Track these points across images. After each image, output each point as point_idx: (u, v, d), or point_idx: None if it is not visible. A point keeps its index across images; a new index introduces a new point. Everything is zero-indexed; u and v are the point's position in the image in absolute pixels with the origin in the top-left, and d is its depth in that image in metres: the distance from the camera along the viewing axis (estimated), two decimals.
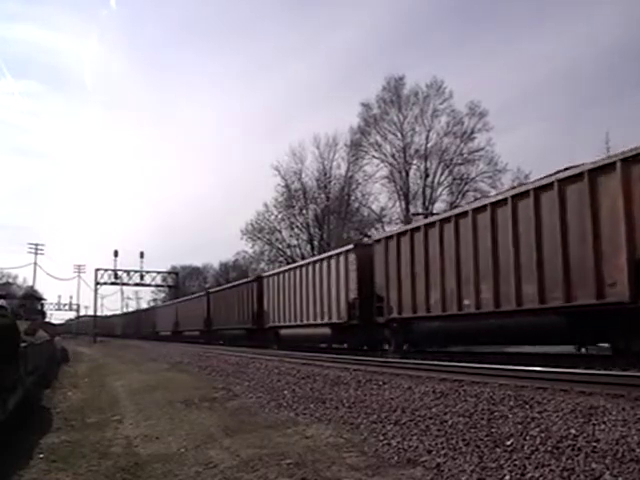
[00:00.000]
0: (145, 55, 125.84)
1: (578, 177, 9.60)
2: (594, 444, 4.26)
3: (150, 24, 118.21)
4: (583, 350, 12.21)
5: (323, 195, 45.26)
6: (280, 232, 46.39)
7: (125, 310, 66.72)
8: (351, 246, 17.79)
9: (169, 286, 63.00)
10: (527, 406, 5.80)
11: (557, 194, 9.90)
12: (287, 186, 45.63)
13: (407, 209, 38.92)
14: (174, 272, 64.92)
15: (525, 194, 10.71)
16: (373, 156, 41.36)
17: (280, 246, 46.58)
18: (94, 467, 5.43)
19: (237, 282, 31.38)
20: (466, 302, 12.16)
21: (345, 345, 19.38)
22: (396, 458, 4.81)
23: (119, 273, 56.56)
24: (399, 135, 40.62)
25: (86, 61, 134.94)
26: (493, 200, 11.88)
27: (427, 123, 39.85)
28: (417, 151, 40.15)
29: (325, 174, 45.20)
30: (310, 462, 4.86)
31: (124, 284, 57.96)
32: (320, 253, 30.27)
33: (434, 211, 33.72)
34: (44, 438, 6.86)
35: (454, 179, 39.10)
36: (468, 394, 6.80)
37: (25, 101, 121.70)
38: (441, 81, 39.37)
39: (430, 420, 5.82)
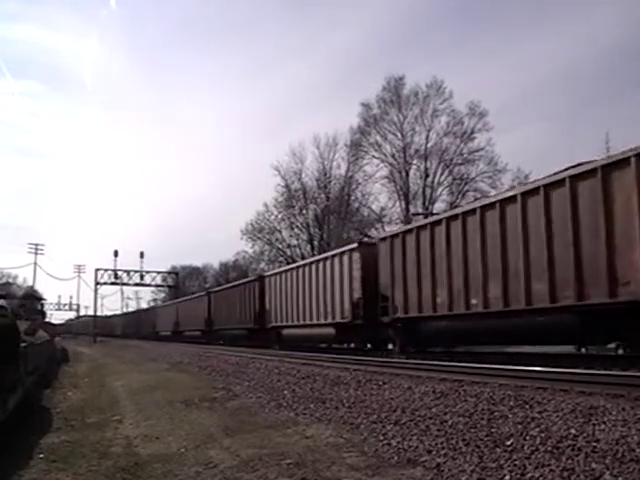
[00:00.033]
0: (145, 55, 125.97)
1: (591, 173, 9.42)
2: (594, 444, 4.25)
3: (150, 24, 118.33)
4: (583, 350, 12.24)
5: (323, 195, 45.30)
6: (280, 232, 46.48)
7: (125, 310, 66.85)
8: (355, 245, 17.62)
9: (169, 286, 63.00)
10: (527, 406, 5.80)
11: (569, 191, 9.72)
12: (287, 186, 45.72)
13: (407, 209, 38.94)
14: (174, 272, 64.93)
15: (535, 191, 10.55)
16: (373, 156, 41.47)
17: (280, 246, 46.65)
18: (94, 467, 5.42)
19: (238, 282, 31.26)
20: (474, 301, 11.99)
21: (352, 345, 19.32)
22: (396, 458, 4.81)
23: (119, 273, 56.62)
24: (399, 135, 40.71)
25: (86, 61, 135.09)
26: (502, 197, 11.68)
27: (427, 123, 39.96)
28: (417, 151, 40.24)
29: (325, 174, 45.29)
30: (310, 462, 4.85)
31: (124, 284, 58.00)
32: (320, 253, 30.27)
33: (434, 211, 33.74)
34: (44, 438, 6.85)
35: (454, 179, 39.14)
36: (468, 394, 6.80)
37: (25, 101, 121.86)
38: (441, 81, 39.48)
39: (430, 420, 5.82)
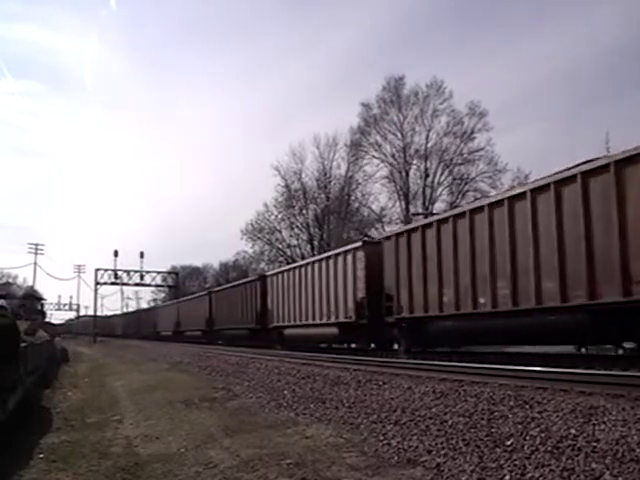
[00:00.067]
0: (145, 55, 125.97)
1: (604, 168, 9.20)
2: (594, 444, 4.26)
3: (150, 24, 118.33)
4: (583, 350, 12.22)
5: (323, 195, 45.29)
6: (280, 232, 46.47)
7: (125, 310, 66.86)
8: (359, 243, 17.46)
9: (169, 286, 63.01)
10: (527, 406, 5.80)
11: (580, 187, 9.52)
12: (287, 186, 45.70)
13: (407, 209, 38.93)
14: (174, 272, 64.93)
15: (545, 188, 10.33)
16: (373, 156, 41.45)
17: (280, 246, 46.65)
18: (94, 467, 5.43)
19: (240, 281, 31.11)
20: (482, 300, 11.77)
21: (354, 345, 19.26)
22: (396, 458, 4.81)
23: (119, 273, 56.64)
24: (399, 135, 40.68)
25: (86, 61, 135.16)
26: (511, 194, 11.44)
27: (427, 123, 39.92)
28: (417, 151, 40.22)
29: (325, 174, 45.27)
30: (310, 462, 4.86)
31: (124, 284, 58.02)
32: (320, 253, 30.23)
33: (434, 211, 33.73)
34: (44, 438, 6.86)
35: (454, 179, 39.12)
36: (468, 394, 6.80)
37: (25, 101, 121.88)
38: (441, 81, 39.44)
39: (430, 420, 5.82)
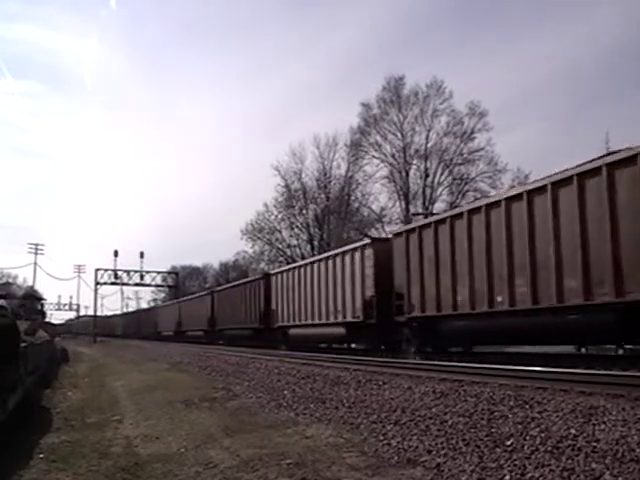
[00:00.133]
0: (145, 55, 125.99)
1: (630, 160, 8.87)
2: (594, 444, 4.26)
3: (150, 24, 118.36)
4: (583, 350, 12.22)
5: (323, 195, 45.30)
6: (280, 232, 46.49)
7: (125, 310, 66.86)
8: (368, 240, 17.18)
9: (169, 286, 63.01)
10: (527, 406, 5.80)
11: (606, 179, 9.15)
12: (287, 186, 45.73)
13: (407, 209, 38.93)
14: (174, 272, 64.95)
15: (567, 180, 9.94)
16: (373, 156, 41.45)
17: (280, 246, 46.67)
18: (94, 467, 5.43)
19: (243, 280, 30.85)
20: (499, 299, 11.37)
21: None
22: (396, 458, 4.81)
23: (119, 273, 56.64)
24: (399, 135, 40.69)
25: (86, 61, 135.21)
26: (530, 188, 11.03)
27: (427, 123, 39.92)
28: (417, 151, 40.22)
29: (325, 174, 45.29)
30: (310, 462, 4.85)
31: (124, 284, 58.02)
32: (320, 253, 30.21)
33: (434, 211, 33.73)
34: (44, 438, 6.86)
35: (454, 179, 39.13)
36: (468, 394, 6.80)
37: (25, 101, 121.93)
38: (441, 81, 39.44)
39: (430, 420, 5.82)
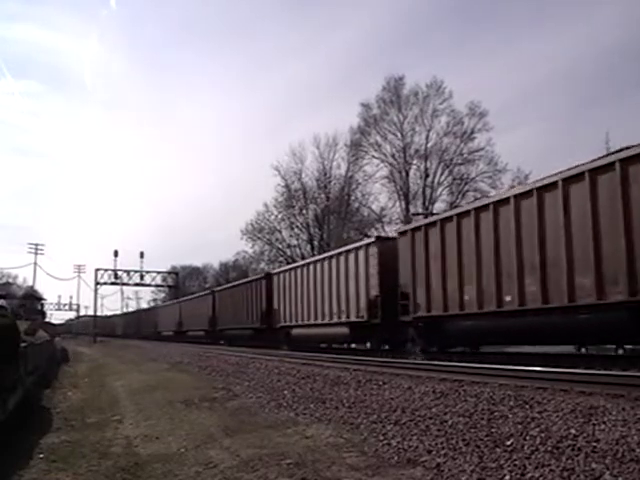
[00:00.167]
0: (145, 55, 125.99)
1: None
2: (594, 444, 4.26)
3: (150, 24, 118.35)
4: (583, 350, 12.22)
5: (323, 195, 45.31)
6: (280, 232, 46.50)
7: (125, 310, 66.86)
8: (372, 239, 16.99)
9: (169, 286, 63.02)
10: (527, 406, 5.81)
11: (619, 175, 8.97)
12: (287, 186, 45.74)
13: (407, 209, 38.94)
14: (174, 272, 64.96)
15: (579, 177, 9.75)
16: (373, 156, 41.47)
17: (280, 246, 46.67)
18: (94, 467, 5.43)
19: (244, 280, 30.69)
20: (507, 298, 11.18)
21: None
22: (396, 458, 4.81)
23: (119, 273, 56.64)
24: (399, 135, 40.70)
25: (86, 61, 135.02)
26: (540, 185, 10.76)
27: (427, 123, 39.92)
28: (417, 151, 40.23)
29: (325, 174, 45.30)
30: (310, 462, 4.86)
31: (124, 284, 58.03)
32: (320, 253, 30.20)
33: (434, 211, 33.74)
34: (44, 438, 6.86)
35: (454, 179, 39.13)
36: (468, 394, 6.80)
37: (25, 101, 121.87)
38: (441, 81, 39.43)
39: (430, 420, 5.82)
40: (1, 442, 6.13)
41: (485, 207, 12.10)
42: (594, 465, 3.87)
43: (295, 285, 21.43)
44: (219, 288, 36.33)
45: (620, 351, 10.48)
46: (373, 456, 4.94)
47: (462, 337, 13.26)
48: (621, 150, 9.36)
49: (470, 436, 5.03)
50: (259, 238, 46.78)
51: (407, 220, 32.22)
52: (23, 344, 9.60)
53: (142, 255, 57.04)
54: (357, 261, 16.78)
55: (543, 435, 4.68)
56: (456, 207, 27.30)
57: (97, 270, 55.92)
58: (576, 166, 10.11)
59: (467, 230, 12.32)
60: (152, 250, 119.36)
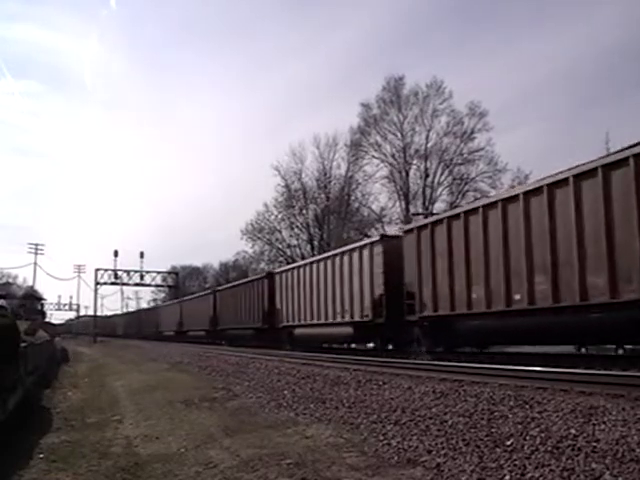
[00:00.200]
0: (145, 55, 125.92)
1: None
2: (594, 444, 4.26)
3: (150, 24, 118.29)
4: (583, 350, 12.22)
5: (323, 195, 45.34)
6: (280, 232, 46.53)
7: (125, 310, 66.86)
8: (377, 237, 16.85)
9: (169, 286, 63.01)
10: (527, 406, 5.81)
11: (633, 170, 8.79)
12: (287, 186, 45.77)
13: (407, 209, 38.96)
14: (174, 272, 64.94)
15: (591, 173, 9.57)
16: (373, 156, 41.49)
17: (280, 246, 46.69)
18: (94, 467, 5.43)
19: (246, 279, 30.58)
20: (517, 297, 10.99)
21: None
22: (396, 458, 4.81)
23: (119, 273, 56.59)
24: (399, 135, 40.73)
25: (86, 61, 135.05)
26: (550, 181, 10.51)
27: (427, 123, 39.95)
28: (417, 151, 40.27)
29: (325, 174, 45.32)
30: (310, 462, 4.85)
31: (124, 284, 58.01)
32: (320, 253, 30.18)
33: (434, 211, 33.74)
34: (44, 438, 6.86)
35: (454, 179, 39.15)
36: (468, 394, 6.80)
37: (25, 101, 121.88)
38: (441, 81, 39.48)
39: (430, 420, 5.82)
40: (1, 442, 6.13)
41: (494, 204, 11.89)
42: (594, 465, 3.87)
43: (298, 284, 21.22)
44: (220, 288, 36.19)
45: (620, 351, 10.48)
46: (373, 456, 4.94)
47: (469, 337, 13.09)
48: (634, 145, 9.13)
49: (470, 436, 5.03)
50: (259, 238, 46.86)
51: (407, 220, 32.21)
52: (23, 344, 9.60)
53: (142, 255, 57.10)
54: (361, 260, 16.58)
55: (543, 435, 4.68)
56: (456, 207, 27.31)
57: (97, 270, 55.98)
58: (587, 162, 9.93)
59: (475, 228, 12.12)
60: (152, 250, 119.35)
